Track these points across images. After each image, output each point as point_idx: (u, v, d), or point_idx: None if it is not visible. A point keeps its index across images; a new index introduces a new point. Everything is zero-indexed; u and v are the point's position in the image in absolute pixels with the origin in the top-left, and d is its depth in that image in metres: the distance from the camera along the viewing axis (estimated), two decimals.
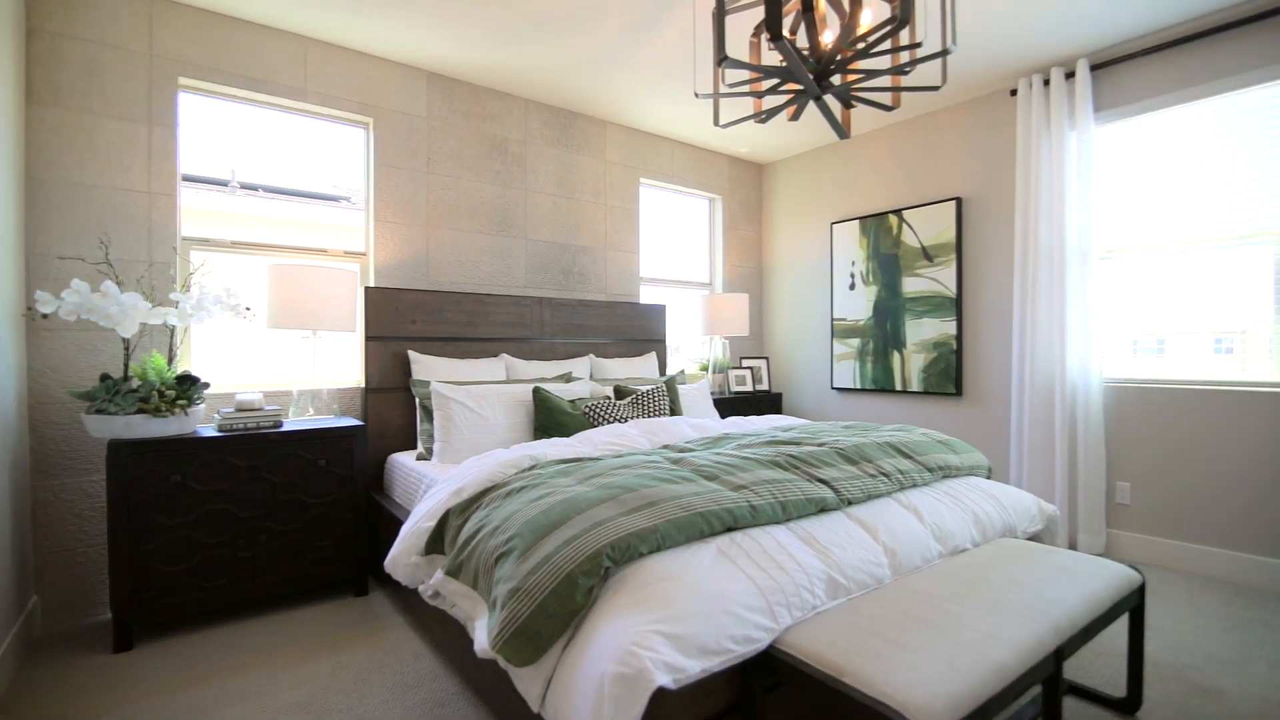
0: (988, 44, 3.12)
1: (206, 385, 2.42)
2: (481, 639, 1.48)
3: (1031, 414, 3.37)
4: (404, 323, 3.15)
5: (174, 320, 2.35)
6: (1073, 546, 3.25)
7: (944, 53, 1.90)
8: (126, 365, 2.33)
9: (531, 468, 2.04)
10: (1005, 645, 1.32)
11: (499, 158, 3.62)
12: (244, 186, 2.99)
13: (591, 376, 3.68)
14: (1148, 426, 3.10)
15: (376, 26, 2.92)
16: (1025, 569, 1.72)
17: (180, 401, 2.31)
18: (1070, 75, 3.26)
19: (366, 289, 3.07)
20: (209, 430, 2.48)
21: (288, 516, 2.51)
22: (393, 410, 3.11)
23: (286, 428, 2.55)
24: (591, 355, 3.79)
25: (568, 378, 3.36)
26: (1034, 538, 2.32)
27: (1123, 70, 3.17)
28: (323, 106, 3.06)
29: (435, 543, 1.93)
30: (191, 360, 2.77)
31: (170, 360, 2.42)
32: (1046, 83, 3.36)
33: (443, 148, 3.42)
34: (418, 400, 2.97)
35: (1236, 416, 2.84)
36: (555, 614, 1.33)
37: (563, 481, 1.82)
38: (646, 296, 4.38)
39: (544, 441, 2.37)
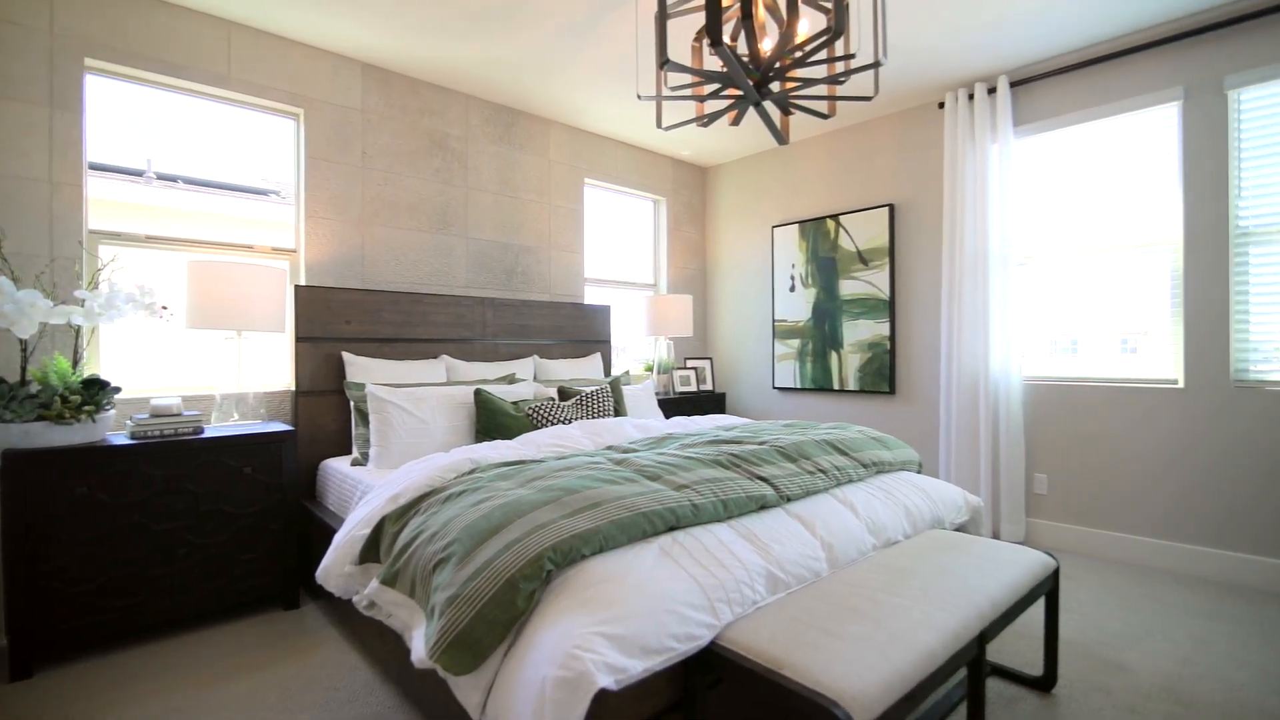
0: (917, 58, 3.27)
1: (117, 390, 2.26)
2: (419, 648, 1.44)
3: (958, 411, 3.55)
4: (338, 323, 3.03)
5: (79, 320, 2.18)
6: (996, 535, 3.44)
7: (876, 65, 1.97)
8: (24, 369, 2.14)
9: (472, 471, 2.00)
10: (933, 632, 1.38)
11: (439, 154, 3.53)
12: (161, 178, 2.81)
13: (535, 378, 3.64)
14: (1062, 421, 3.32)
15: (306, 14, 2.80)
16: (952, 559, 1.81)
17: (87, 407, 2.15)
18: (992, 91, 3.45)
19: (297, 287, 2.94)
20: (120, 438, 2.31)
21: (210, 529, 2.37)
22: (326, 414, 2.99)
23: (208, 434, 2.41)
24: (535, 356, 3.75)
25: (511, 379, 3.32)
26: (960, 528, 2.44)
27: (1039, 88, 3.38)
28: (249, 96, 2.91)
29: (370, 551, 1.86)
30: (100, 363, 2.58)
31: (75, 363, 2.24)
32: (971, 97, 3.54)
33: (378, 142, 3.31)
34: (352, 404, 2.86)
35: (1139, 411, 3.08)
36: (495, 620, 1.31)
37: (504, 485, 1.79)
38: (591, 297, 4.37)
39: (485, 444, 2.32)
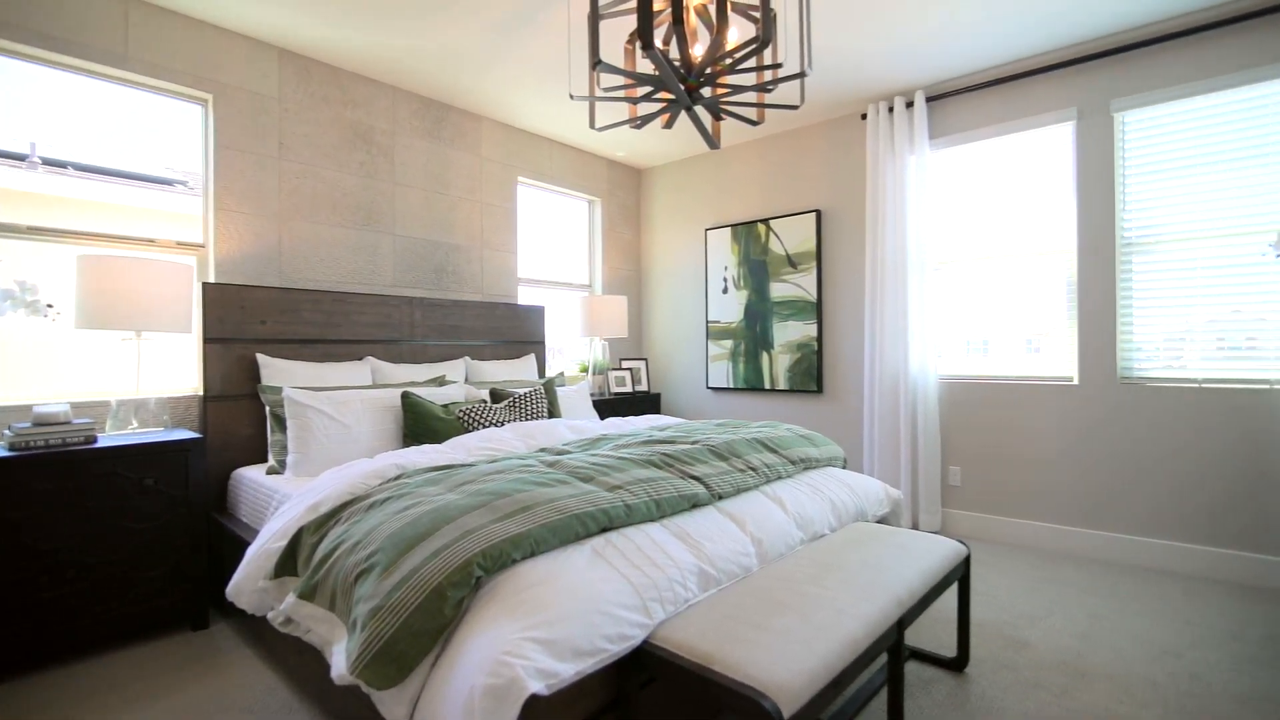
0: (841, 71, 3.40)
1: None
2: (340, 664, 1.38)
3: (880, 408, 3.72)
4: (251, 323, 2.86)
5: None
6: (915, 526, 3.62)
7: (801, 75, 2.04)
8: None
9: (398, 477, 1.93)
10: (856, 621, 1.43)
11: (363, 147, 3.40)
12: (48, 163, 2.56)
13: (467, 379, 3.55)
14: (974, 417, 3.53)
15: None
16: (873, 550, 1.89)
17: None
18: (910, 105, 3.64)
19: (205, 285, 2.75)
20: None
21: (106, 547, 2.18)
22: (238, 420, 2.81)
23: (102, 443, 2.22)
24: (467, 358, 3.66)
25: (440, 381, 3.22)
26: (882, 520, 2.55)
27: (952, 103, 3.59)
28: (149, 77, 2.70)
29: (287, 564, 1.76)
30: None
31: None
32: (891, 110, 3.72)
33: (297, 132, 3.14)
34: (268, 409, 2.70)
35: (1040, 407, 3.32)
36: (422, 630, 1.27)
37: (431, 490, 1.74)
38: (525, 297, 4.31)
39: (413, 449, 2.25)
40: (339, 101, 3.30)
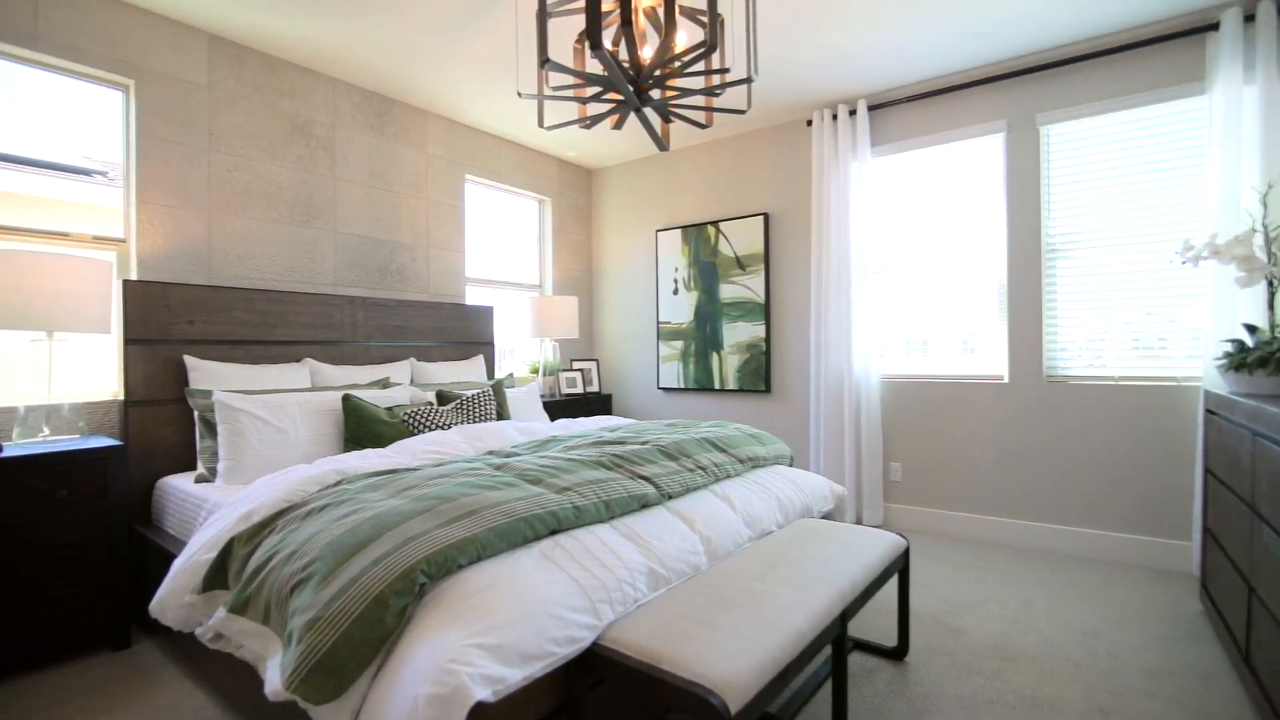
0: (787, 78, 3.48)
1: None
2: (274, 679, 1.32)
3: (826, 407, 3.82)
4: (178, 323, 2.71)
5: None
6: (859, 521, 3.73)
7: (748, 80, 2.08)
8: None
9: (338, 483, 1.86)
10: (801, 614, 1.47)
11: (301, 140, 3.26)
12: None
13: (412, 381, 3.46)
14: (914, 415, 3.67)
15: None
16: (818, 545, 1.94)
17: None
18: (853, 112, 3.75)
19: (126, 282, 2.58)
20: None
21: (13, 564, 2.03)
22: (164, 426, 2.66)
23: (9, 453, 2.06)
24: (412, 359, 3.56)
25: (385, 383, 3.13)
26: (827, 515, 2.62)
27: (893, 112, 3.72)
28: (62, 59, 2.52)
29: (217, 577, 1.68)
30: None
31: None
32: (835, 117, 3.83)
33: (229, 123, 3.00)
34: (197, 413, 2.56)
35: (975, 404, 3.47)
36: (363, 641, 1.22)
37: (374, 496, 1.69)
38: (473, 297, 4.23)
39: (354, 454, 2.18)
40: (275, 91, 3.16)
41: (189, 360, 2.67)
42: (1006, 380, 3.38)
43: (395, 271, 3.69)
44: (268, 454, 2.45)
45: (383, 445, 2.60)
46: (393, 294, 3.67)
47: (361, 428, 2.64)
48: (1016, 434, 3.34)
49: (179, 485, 2.44)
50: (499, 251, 4.50)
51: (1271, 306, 2.36)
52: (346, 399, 2.68)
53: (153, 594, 2.16)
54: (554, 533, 1.61)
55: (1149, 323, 3.08)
